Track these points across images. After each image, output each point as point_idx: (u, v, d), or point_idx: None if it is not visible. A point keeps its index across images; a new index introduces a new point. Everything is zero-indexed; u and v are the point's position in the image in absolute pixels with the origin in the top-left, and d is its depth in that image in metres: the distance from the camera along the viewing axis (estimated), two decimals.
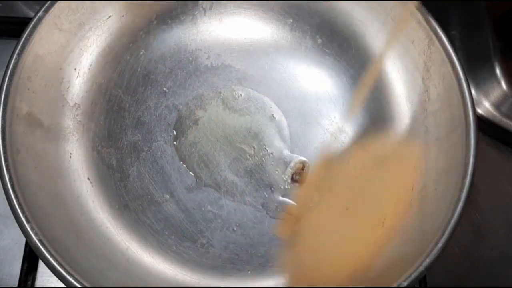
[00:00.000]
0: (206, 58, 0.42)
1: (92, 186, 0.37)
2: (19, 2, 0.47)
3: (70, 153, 0.37)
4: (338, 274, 0.32)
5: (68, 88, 0.37)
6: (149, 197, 0.38)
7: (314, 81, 0.41)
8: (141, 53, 0.40)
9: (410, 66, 0.38)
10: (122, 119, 0.39)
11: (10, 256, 0.38)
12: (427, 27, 0.36)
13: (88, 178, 0.37)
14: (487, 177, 0.43)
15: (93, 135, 0.38)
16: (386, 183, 0.36)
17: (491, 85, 0.45)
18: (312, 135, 0.40)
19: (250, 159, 0.39)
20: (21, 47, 0.33)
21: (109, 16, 0.39)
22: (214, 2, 0.41)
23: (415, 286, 0.37)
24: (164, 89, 0.41)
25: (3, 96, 0.32)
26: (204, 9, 0.41)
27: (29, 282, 0.37)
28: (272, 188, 0.38)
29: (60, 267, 0.29)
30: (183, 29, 0.41)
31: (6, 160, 0.31)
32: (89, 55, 0.38)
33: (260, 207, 0.38)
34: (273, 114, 0.40)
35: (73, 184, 0.36)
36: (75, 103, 0.38)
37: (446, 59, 0.35)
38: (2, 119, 0.32)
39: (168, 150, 0.39)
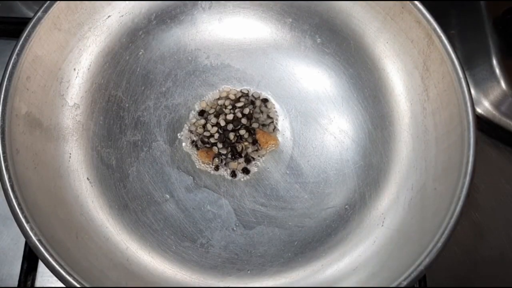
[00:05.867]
0: (206, 58, 0.42)
1: (92, 186, 0.37)
2: (18, 2, 0.47)
3: (70, 153, 0.37)
4: None
5: (67, 88, 0.37)
6: (149, 197, 0.38)
7: (313, 80, 0.41)
8: (141, 53, 0.40)
9: (410, 65, 0.38)
10: (121, 119, 0.39)
11: (10, 256, 0.38)
12: (427, 26, 0.36)
13: (88, 178, 0.37)
14: (487, 176, 0.43)
15: (93, 135, 0.38)
16: None
17: (490, 85, 0.45)
18: (311, 134, 0.40)
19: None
20: (20, 47, 0.33)
21: (108, 16, 0.39)
22: (213, 1, 0.41)
23: (415, 285, 0.37)
24: (164, 89, 0.41)
25: (2, 96, 0.32)
26: (204, 9, 0.41)
27: (29, 282, 0.37)
28: (272, 187, 0.38)
29: (60, 267, 0.29)
30: (183, 29, 0.41)
31: (5, 160, 0.31)
32: (88, 55, 0.38)
33: (260, 207, 0.38)
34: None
35: (72, 184, 0.36)
36: (75, 103, 0.38)
37: (446, 58, 0.35)
38: (1, 119, 0.32)
39: (167, 150, 0.39)
